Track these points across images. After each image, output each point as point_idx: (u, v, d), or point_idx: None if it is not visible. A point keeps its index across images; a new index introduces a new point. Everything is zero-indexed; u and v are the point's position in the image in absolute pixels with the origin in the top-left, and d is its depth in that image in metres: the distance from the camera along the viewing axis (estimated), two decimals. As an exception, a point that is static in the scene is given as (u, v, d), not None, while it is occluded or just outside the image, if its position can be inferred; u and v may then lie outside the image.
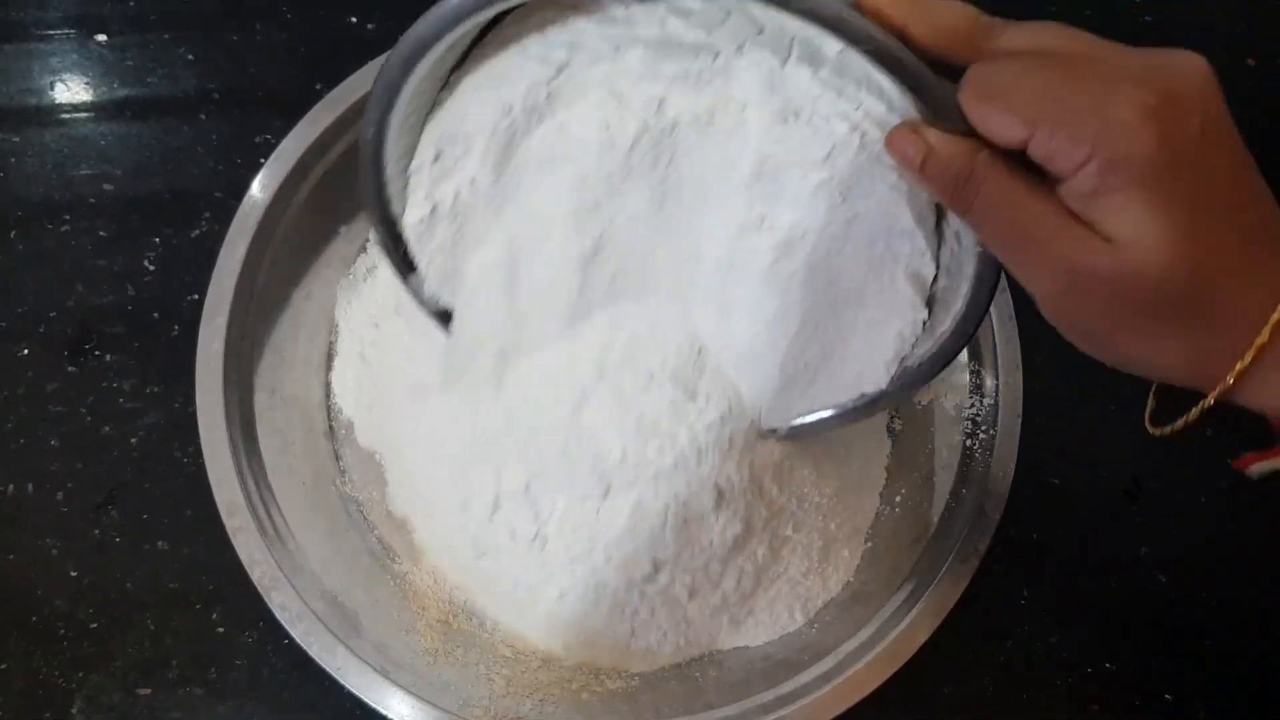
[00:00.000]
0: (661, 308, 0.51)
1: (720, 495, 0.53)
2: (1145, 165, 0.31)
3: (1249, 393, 0.34)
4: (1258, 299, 0.33)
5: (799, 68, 0.41)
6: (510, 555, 0.55)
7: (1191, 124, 0.31)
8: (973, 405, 0.59)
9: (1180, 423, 0.38)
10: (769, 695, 0.53)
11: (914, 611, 0.53)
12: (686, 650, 0.56)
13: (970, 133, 0.34)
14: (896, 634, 0.53)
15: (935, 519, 0.57)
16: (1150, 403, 0.40)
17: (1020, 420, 0.58)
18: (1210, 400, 0.35)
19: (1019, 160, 0.33)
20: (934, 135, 0.35)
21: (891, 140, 0.36)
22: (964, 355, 0.60)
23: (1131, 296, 0.33)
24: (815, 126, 0.41)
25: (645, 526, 0.52)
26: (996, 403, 0.58)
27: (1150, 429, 0.40)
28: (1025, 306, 0.59)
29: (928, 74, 0.35)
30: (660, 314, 0.51)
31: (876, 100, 0.40)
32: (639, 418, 0.51)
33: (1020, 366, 0.59)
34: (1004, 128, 0.33)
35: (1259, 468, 0.40)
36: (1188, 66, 0.32)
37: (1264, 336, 0.33)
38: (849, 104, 0.40)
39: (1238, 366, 0.33)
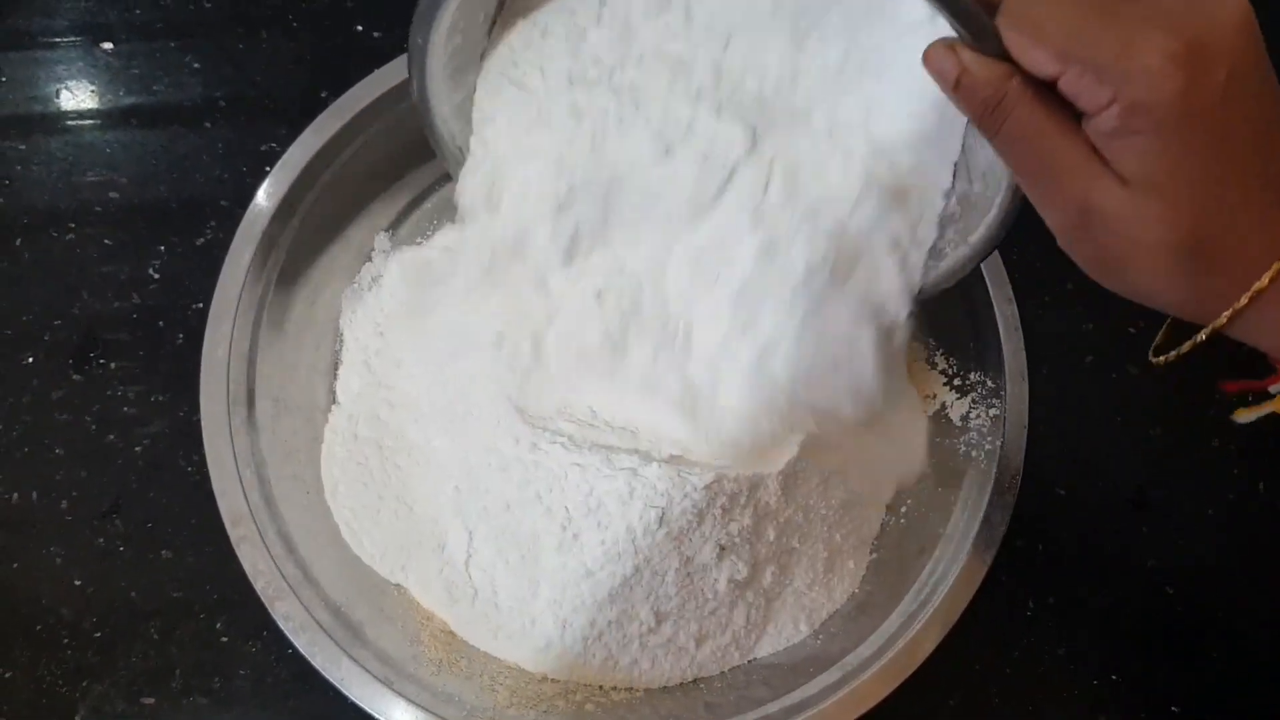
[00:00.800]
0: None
1: (722, 550, 0.53)
2: (1165, 113, 0.32)
3: (1244, 331, 0.36)
4: (1263, 246, 0.34)
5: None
6: (490, 605, 0.55)
7: (1217, 73, 0.32)
8: (979, 415, 0.59)
9: (1174, 354, 0.40)
10: (774, 707, 0.52)
11: (920, 622, 0.53)
12: (693, 673, 0.56)
13: (1006, 57, 0.34)
14: (902, 645, 0.53)
15: (941, 530, 0.57)
16: (1160, 335, 0.42)
17: (1026, 431, 0.58)
18: (1203, 336, 0.37)
19: (1049, 91, 0.34)
20: (969, 56, 0.35)
21: (929, 55, 0.36)
22: (972, 368, 0.60)
23: (1138, 236, 0.34)
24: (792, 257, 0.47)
25: (643, 583, 0.53)
26: (1003, 413, 0.58)
27: (1151, 358, 0.41)
28: (1031, 317, 0.60)
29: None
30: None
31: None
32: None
33: (1026, 377, 0.58)
34: (1036, 62, 0.33)
35: (1247, 416, 0.44)
36: (1224, 13, 0.32)
37: (1263, 282, 0.34)
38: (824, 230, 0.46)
39: (1232, 308, 0.35)
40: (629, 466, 0.51)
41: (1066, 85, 0.33)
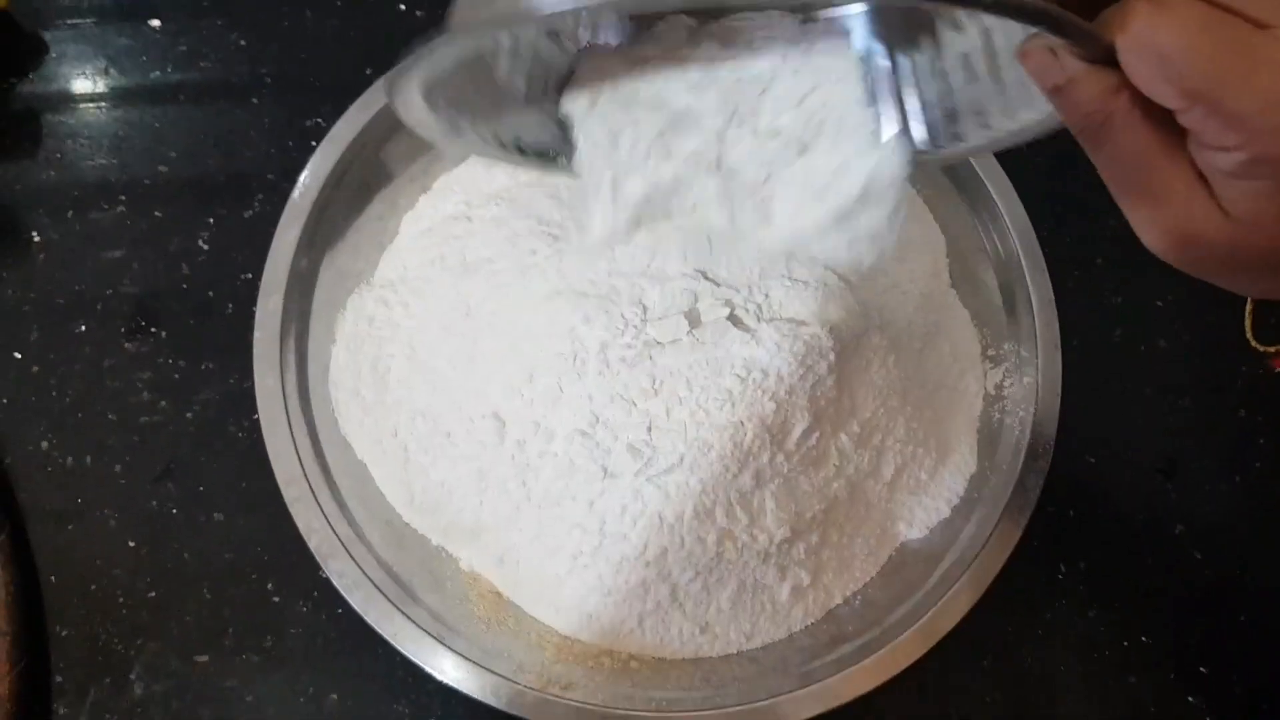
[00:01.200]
0: None
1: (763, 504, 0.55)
2: None
3: None
4: None
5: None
6: (531, 568, 0.56)
7: None
8: (1013, 385, 0.60)
9: None
10: (814, 664, 0.54)
11: (954, 586, 0.55)
12: (737, 645, 0.57)
13: (1110, 61, 0.31)
14: (937, 608, 0.54)
15: (976, 495, 0.58)
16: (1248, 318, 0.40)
17: (1060, 400, 0.59)
18: None
19: (1158, 110, 0.31)
20: (1074, 64, 0.32)
21: (1028, 54, 0.33)
22: (1006, 338, 0.62)
23: (1240, 261, 0.32)
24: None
25: (683, 550, 0.54)
26: (1037, 383, 0.59)
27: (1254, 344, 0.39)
28: (1065, 289, 0.61)
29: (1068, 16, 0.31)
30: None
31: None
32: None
33: (1060, 347, 0.60)
34: (1159, 96, 0.31)
35: None
36: None
37: None
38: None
39: None
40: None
41: (1188, 121, 0.31)
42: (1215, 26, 0.29)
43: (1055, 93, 0.33)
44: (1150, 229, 0.33)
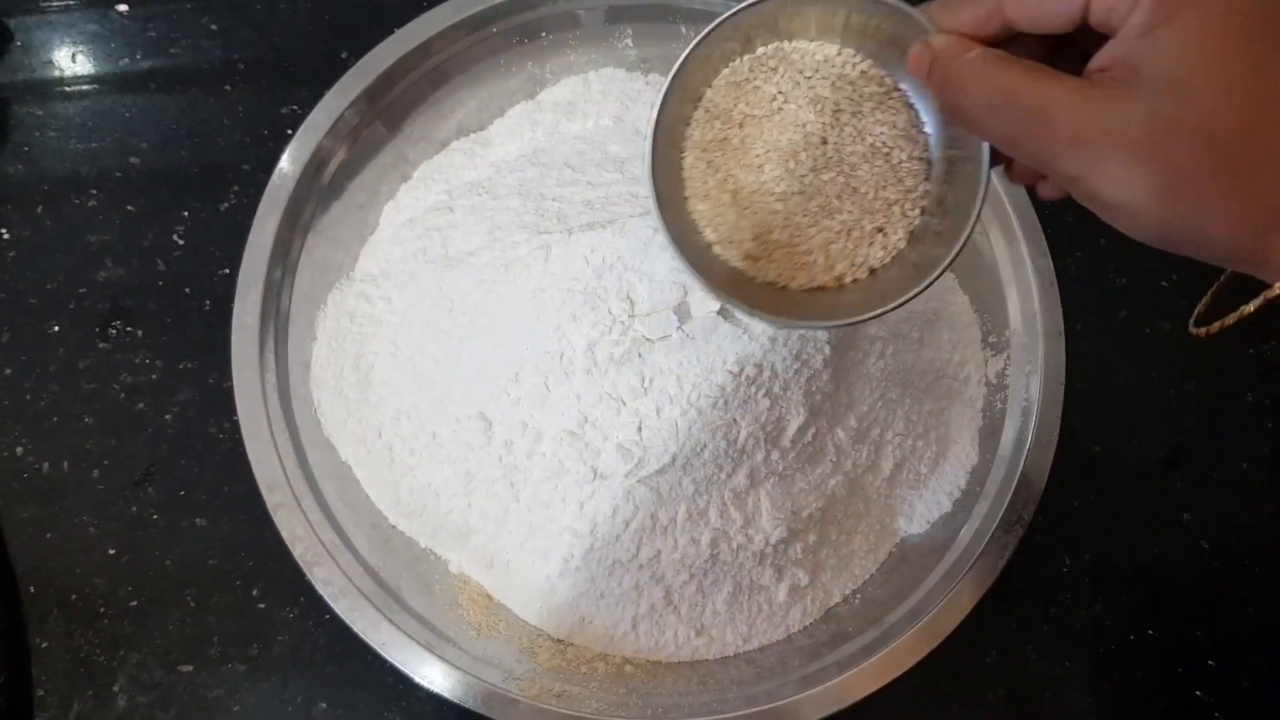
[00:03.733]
0: None
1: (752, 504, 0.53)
2: None
3: None
4: None
5: None
6: (519, 570, 0.55)
7: None
8: (1014, 372, 0.59)
9: (1217, 326, 0.34)
10: (814, 666, 0.52)
11: (957, 582, 0.53)
12: (734, 648, 0.56)
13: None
14: (941, 604, 0.53)
15: (979, 488, 0.57)
16: (1202, 303, 0.37)
17: (1063, 388, 0.57)
18: (1251, 307, 0.32)
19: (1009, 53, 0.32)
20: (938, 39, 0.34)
21: (910, 60, 0.35)
22: (1007, 324, 0.60)
23: (1172, 152, 0.29)
24: None
25: (674, 551, 0.53)
26: (1039, 370, 0.57)
27: (1191, 329, 0.36)
28: (1067, 275, 0.59)
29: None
30: None
31: None
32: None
33: (1063, 334, 0.58)
34: (1046, 8, 0.31)
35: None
36: None
37: None
38: None
39: None
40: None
41: (1097, 11, 0.30)
42: None
43: (929, 75, 0.34)
44: (1063, 154, 0.31)
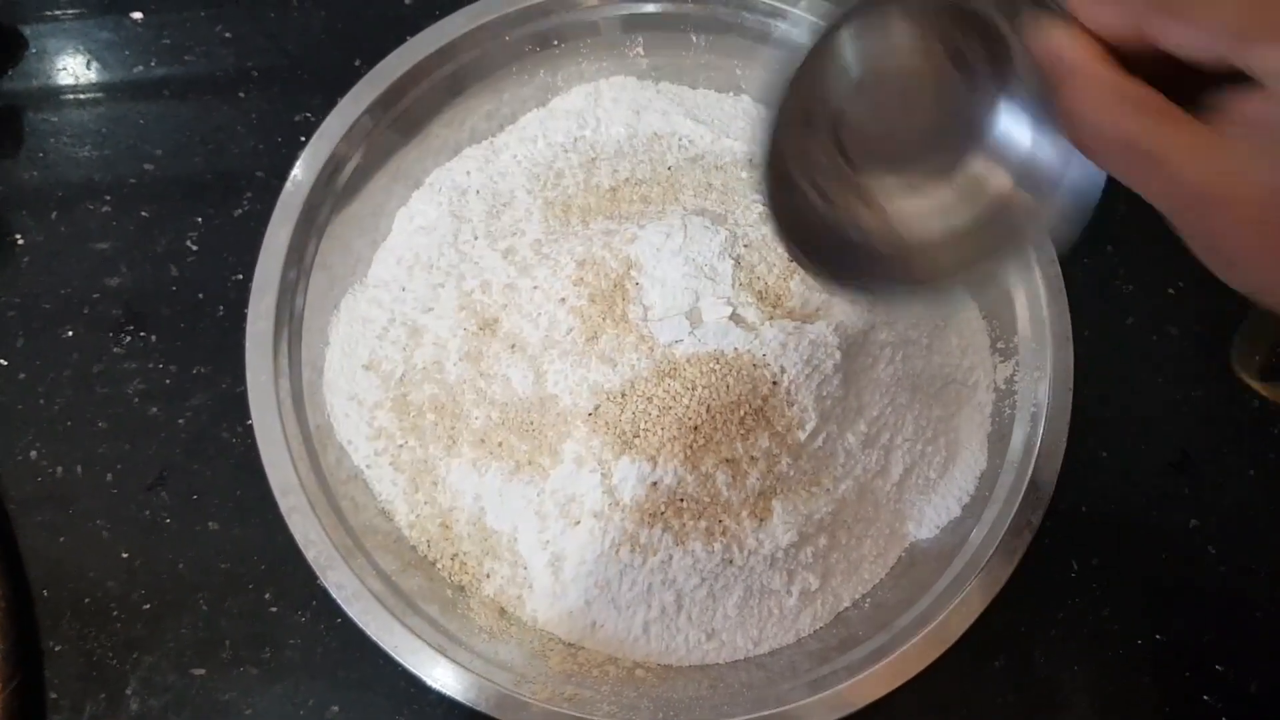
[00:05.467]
0: None
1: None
2: None
3: None
4: None
5: None
6: (532, 575, 0.55)
7: None
8: (1023, 378, 0.59)
9: None
10: (824, 670, 0.53)
11: (966, 586, 0.53)
12: (744, 652, 0.56)
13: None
14: (950, 609, 0.53)
15: (988, 493, 0.57)
16: (1263, 357, 0.37)
17: (1072, 393, 0.57)
18: None
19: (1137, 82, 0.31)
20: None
21: (1034, 39, 0.33)
22: (1015, 331, 0.60)
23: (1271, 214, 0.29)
24: None
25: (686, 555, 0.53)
26: (1048, 375, 0.58)
27: (1257, 385, 0.36)
28: (1075, 280, 0.59)
29: None
30: None
31: None
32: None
33: (1071, 339, 0.58)
34: (1197, 42, 0.29)
35: None
36: None
37: None
38: None
39: None
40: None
41: (1253, 62, 0.28)
42: None
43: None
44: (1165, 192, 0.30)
